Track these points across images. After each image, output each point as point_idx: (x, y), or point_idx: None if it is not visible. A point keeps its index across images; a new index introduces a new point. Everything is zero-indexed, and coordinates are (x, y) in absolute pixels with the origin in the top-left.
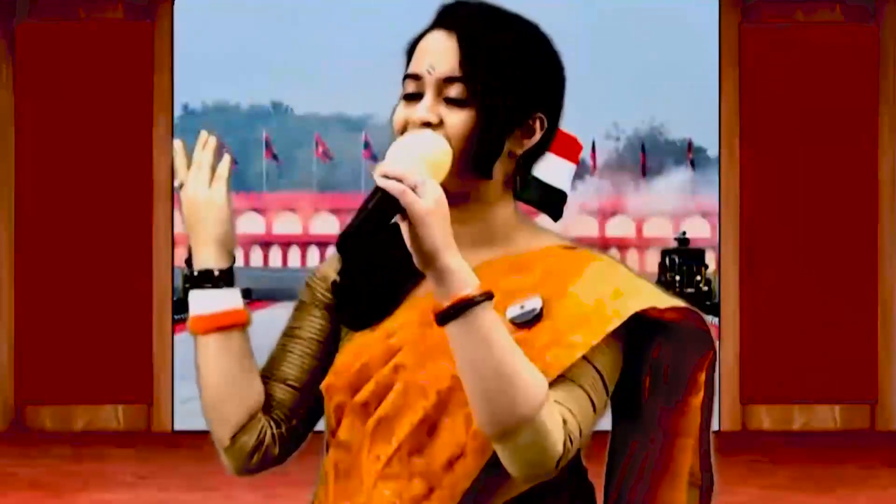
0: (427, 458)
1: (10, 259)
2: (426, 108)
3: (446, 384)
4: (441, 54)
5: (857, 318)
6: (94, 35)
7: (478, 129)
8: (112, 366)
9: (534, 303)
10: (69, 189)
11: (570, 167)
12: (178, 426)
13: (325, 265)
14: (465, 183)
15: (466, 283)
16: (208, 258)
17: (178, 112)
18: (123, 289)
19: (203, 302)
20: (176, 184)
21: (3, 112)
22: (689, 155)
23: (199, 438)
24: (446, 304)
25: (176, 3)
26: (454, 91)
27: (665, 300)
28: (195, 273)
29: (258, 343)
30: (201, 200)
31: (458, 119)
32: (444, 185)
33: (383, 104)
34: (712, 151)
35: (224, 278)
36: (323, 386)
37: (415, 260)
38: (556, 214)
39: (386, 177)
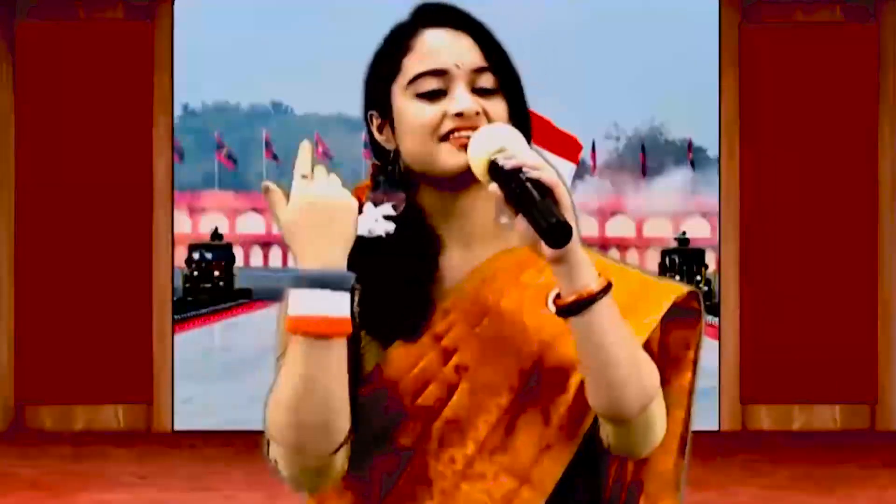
0: (511, 455)
1: (10, 259)
2: (471, 99)
3: (516, 381)
4: (461, 49)
5: (857, 318)
6: (94, 35)
7: (512, 116)
8: (112, 366)
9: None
10: (69, 189)
11: (570, 167)
12: (178, 426)
13: None
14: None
15: (592, 275)
16: (340, 259)
17: (178, 112)
18: (123, 289)
19: (333, 304)
20: (299, 174)
21: (3, 112)
22: (689, 155)
23: (199, 438)
24: (576, 297)
25: (176, 3)
26: (486, 81)
27: (681, 287)
28: (326, 273)
29: (258, 342)
30: (336, 200)
31: (499, 108)
32: (466, 176)
33: None
34: (712, 151)
35: (350, 283)
36: (367, 393)
37: (547, 252)
38: None
39: (519, 169)
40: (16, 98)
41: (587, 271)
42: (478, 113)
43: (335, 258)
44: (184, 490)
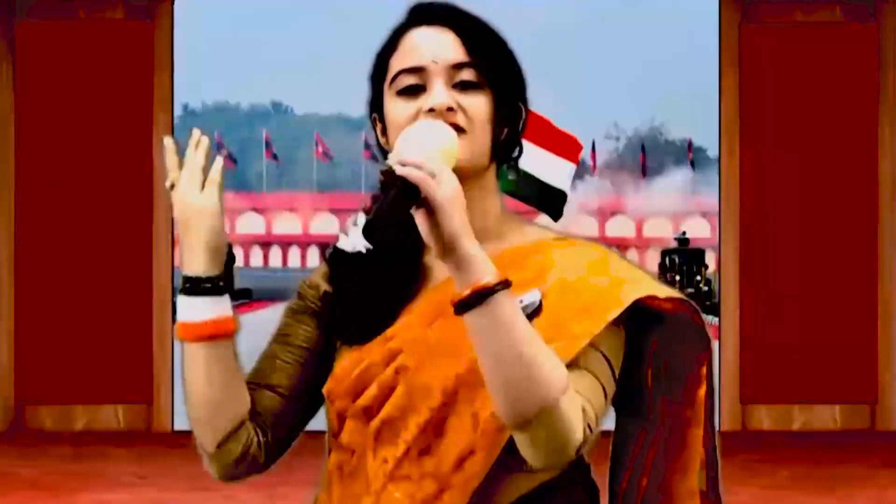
0: (436, 458)
1: (10, 259)
2: (445, 94)
3: (451, 383)
4: (441, 45)
5: (857, 318)
6: (94, 35)
7: (498, 112)
8: (112, 366)
9: (532, 296)
10: (69, 189)
11: (570, 167)
12: (178, 426)
13: (315, 274)
14: (473, 171)
15: (486, 270)
16: (198, 265)
17: (178, 112)
18: (123, 289)
19: (192, 309)
20: (167, 184)
21: (3, 112)
22: (689, 155)
23: None
24: (467, 291)
25: (176, 3)
26: (467, 74)
27: (663, 290)
28: (184, 279)
29: (258, 343)
30: (193, 206)
31: (478, 102)
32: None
33: None
34: (712, 151)
35: (214, 286)
36: (325, 391)
37: (433, 249)
38: (556, 214)
39: (403, 165)
40: (16, 98)
41: (477, 267)
42: (451, 108)
43: (197, 265)
44: (184, 490)
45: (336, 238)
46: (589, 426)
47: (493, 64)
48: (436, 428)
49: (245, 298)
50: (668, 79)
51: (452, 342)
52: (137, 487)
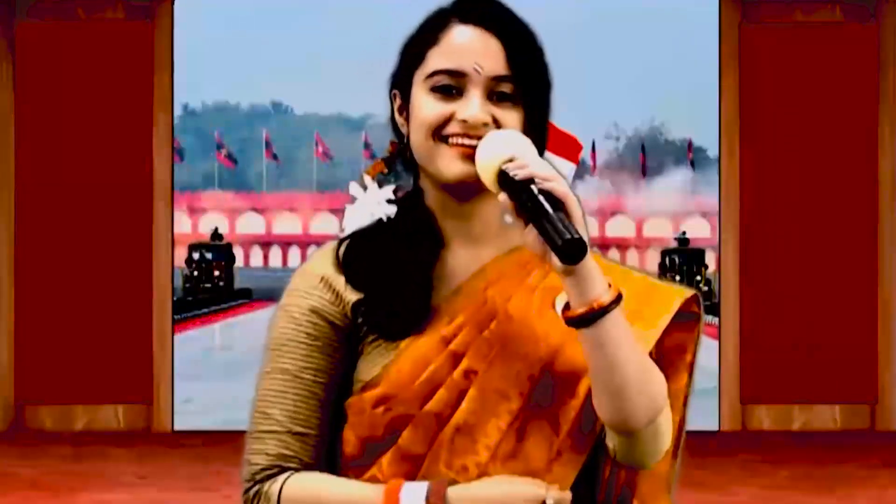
0: (524, 462)
1: (10, 259)
2: (480, 108)
3: (526, 385)
4: (486, 53)
5: (857, 318)
6: (94, 35)
7: (528, 126)
8: (112, 366)
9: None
10: (69, 189)
11: (570, 167)
12: (178, 426)
13: (323, 286)
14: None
15: (603, 287)
16: None
17: (178, 112)
18: (123, 289)
19: None
20: None
21: (3, 112)
22: (690, 155)
23: (199, 438)
24: (583, 309)
25: (176, 3)
26: (505, 87)
27: (686, 291)
28: None
29: (258, 342)
30: None
31: (512, 118)
32: (470, 181)
33: (383, 104)
34: (712, 151)
35: None
36: (374, 397)
37: (550, 262)
38: None
39: (536, 179)
40: (16, 98)
41: (598, 283)
42: (486, 124)
43: None
44: (184, 490)
45: (336, 237)
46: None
47: (530, 78)
48: (517, 431)
49: (245, 298)
50: (668, 79)
51: (516, 344)
52: (137, 487)
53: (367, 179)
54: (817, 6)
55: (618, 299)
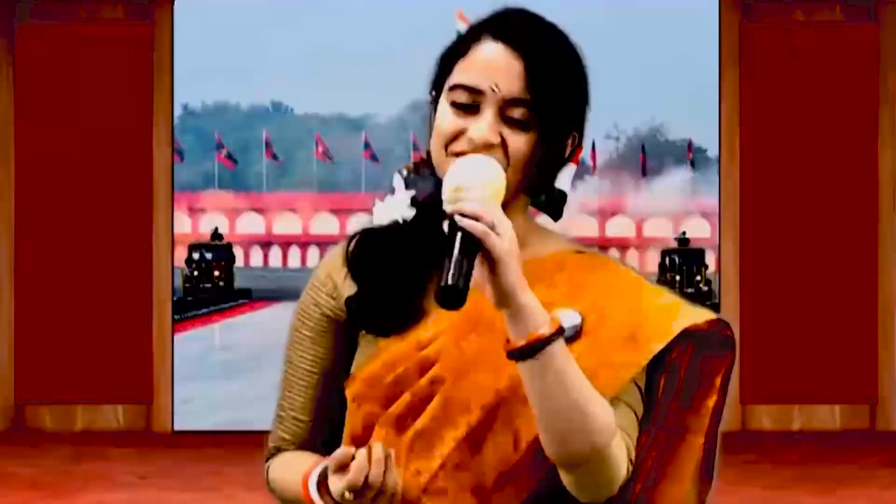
0: (475, 475)
1: (10, 259)
2: (489, 128)
3: (490, 400)
4: (506, 73)
5: (857, 318)
6: (94, 35)
7: (539, 152)
8: (112, 366)
9: (573, 319)
10: (69, 189)
11: (570, 167)
12: (178, 426)
13: (327, 281)
14: (510, 199)
15: (540, 321)
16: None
17: (178, 112)
18: (123, 289)
19: None
20: (347, 495)
21: (3, 112)
22: (689, 155)
23: (199, 438)
24: (521, 342)
25: (176, 3)
26: (518, 113)
27: (701, 314)
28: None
29: (258, 342)
30: None
31: (521, 142)
32: None
33: (383, 104)
34: (712, 151)
35: None
36: (350, 394)
37: (491, 297)
38: (556, 214)
39: (463, 215)
40: (16, 98)
41: (532, 318)
42: (492, 145)
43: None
44: (184, 490)
45: (336, 238)
46: (630, 461)
47: (549, 103)
48: (473, 444)
49: (245, 298)
50: (668, 79)
51: (489, 358)
52: (137, 487)
53: (405, 172)
54: (817, 6)
55: (556, 334)
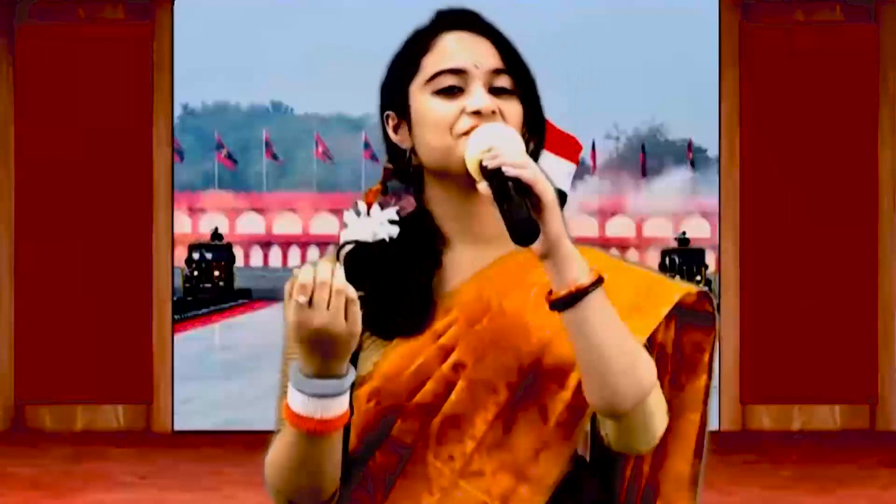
0: (510, 453)
1: (10, 259)
2: (488, 98)
3: (514, 378)
4: (480, 50)
5: (857, 318)
6: (94, 35)
7: (527, 118)
8: (112, 366)
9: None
10: (69, 189)
11: (570, 167)
12: (178, 426)
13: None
14: None
15: (583, 269)
16: (341, 369)
17: (178, 112)
18: (123, 289)
19: (329, 407)
20: (301, 299)
21: (3, 112)
22: (689, 155)
23: (199, 438)
24: (564, 291)
25: (176, 3)
26: (504, 81)
27: (691, 286)
28: (326, 383)
29: (258, 342)
30: (343, 332)
31: (514, 108)
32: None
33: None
34: (712, 151)
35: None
36: (366, 392)
37: (536, 247)
38: None
39: (507, 166)
40: (16, 98)
41: (576, 266)
42: (494, 112)
43: (340, 370)
44: (184, 490)
45: (337, 238)
46: (667, 414)
47: (524, 69)
48: (504, 423)
49: (245, 298)
50: (668, 79)
51: (507, 339)
52: (137, 487)
53: (362, 205)
54: (817, 6)
55: (598, 281)
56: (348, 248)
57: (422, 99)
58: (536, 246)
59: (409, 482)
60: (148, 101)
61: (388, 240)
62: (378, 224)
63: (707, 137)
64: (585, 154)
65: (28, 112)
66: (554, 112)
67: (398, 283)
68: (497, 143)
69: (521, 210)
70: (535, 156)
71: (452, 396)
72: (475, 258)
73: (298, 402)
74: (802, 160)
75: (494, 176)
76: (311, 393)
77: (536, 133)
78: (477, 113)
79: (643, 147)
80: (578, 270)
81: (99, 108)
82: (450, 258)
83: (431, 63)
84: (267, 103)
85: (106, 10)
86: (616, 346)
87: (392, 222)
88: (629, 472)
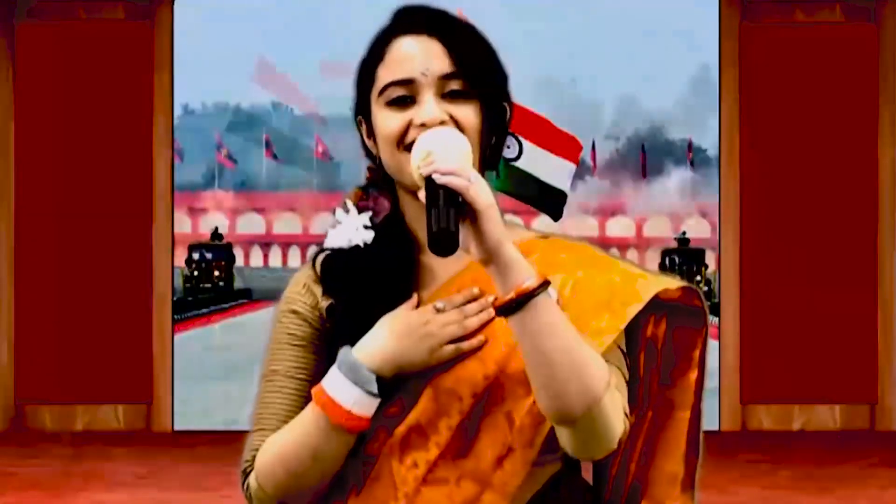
0: (473, 460)
1: (10, 259)
2: (435, 108)
3: (480, 386)
4: (429, 56)
5: (857, 318)
6: (94, 35)
7: (485, 120)
8: (112, 366)
9: (549, 294)
10: (69, 189)
11: (570, 167)
12: (178, 426)
13: (304, 291)
14: None
15: (527, 274)
16: (387, 372)
17: (177, 112)
18: (123, 289)
19: (363, 404)
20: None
21: (3, 111)
22: (689, 155)
23: (199, 438)
24: (510, 295)
25: (176, 3)
26: (456, 85)
27: (672, 281)
28: (368, 376)
29: (258, 342)
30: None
31: (468, 112)
32: None
33: None
34: (712, 151)
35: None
36: None
37: (476, 254)
38: (556, 215)
39: (440, 174)
40: (16, 98)
41: (519, 270)
42: (443, 122)
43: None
44: (184, 490)
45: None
46: (626, 415)
47: (479, 71)
48: (468, 430)
49: (245, 298)
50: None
51: (473, 349)
52: (137, 487)
53: (350, 205)
54: (817, 6)
55: (543, 285)
56: (322, 256)
57: (376, 111)
58: (475, 252)
59: (375, 488)
60: (148, 101)
61: (362, 245)
62: (353, 230)
63: (707, 137)
64: (585, 154)
65: (28, 111)
66: (554, 112)
67: (374, 291)
68: (436, 148)
69: (442, 219)
70: (496, 152)
71: (419, 405)
72: (446, 265)
73: (351, 399)
74: (802, 160)
75: (427, 184)
76: (372, 392)
77: (497, 130)
78: (423, 125)
79: (643, 147)
80: (522, 274)
81: (99, 108)
82: (422, 264)
83: (383, 74)
84: (267, 103)
85: (106, 10)
86: (562, 351)
87: (367, 227)
88: (615, 471)
